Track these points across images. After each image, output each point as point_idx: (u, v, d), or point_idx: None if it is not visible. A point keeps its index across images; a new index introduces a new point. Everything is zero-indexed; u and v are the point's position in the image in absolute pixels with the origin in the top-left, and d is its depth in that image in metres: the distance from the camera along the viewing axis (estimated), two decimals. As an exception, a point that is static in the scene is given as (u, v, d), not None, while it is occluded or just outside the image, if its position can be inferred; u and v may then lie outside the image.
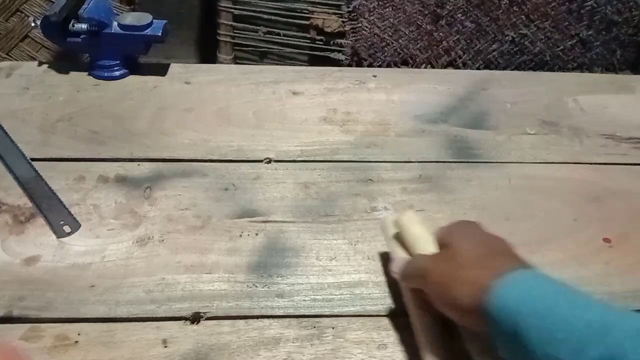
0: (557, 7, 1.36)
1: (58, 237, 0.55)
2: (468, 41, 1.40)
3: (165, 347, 0.47)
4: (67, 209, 0.55)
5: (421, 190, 0.63)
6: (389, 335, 0.49)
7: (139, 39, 0.74)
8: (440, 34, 1.37)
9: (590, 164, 0.68)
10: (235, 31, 1.89)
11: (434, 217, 0.60)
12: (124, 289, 0.51)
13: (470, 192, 0.63)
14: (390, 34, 1.38)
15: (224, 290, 0.52)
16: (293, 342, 0.48)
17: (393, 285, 0.53)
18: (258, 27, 1.87)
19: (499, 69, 1.40)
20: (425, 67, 1.42)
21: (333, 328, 0.49)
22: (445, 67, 1.43)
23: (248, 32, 1.88)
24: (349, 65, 1.41)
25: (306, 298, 0.52)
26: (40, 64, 0.78)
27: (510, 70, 1.40)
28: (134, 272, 0.53)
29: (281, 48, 1.70)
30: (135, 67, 0.77)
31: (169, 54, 1.53)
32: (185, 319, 0.49)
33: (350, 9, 1.35)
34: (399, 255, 0.49)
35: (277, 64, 1.85)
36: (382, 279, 0.53)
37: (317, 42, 1.47)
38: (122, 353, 0.46)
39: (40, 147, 0.64)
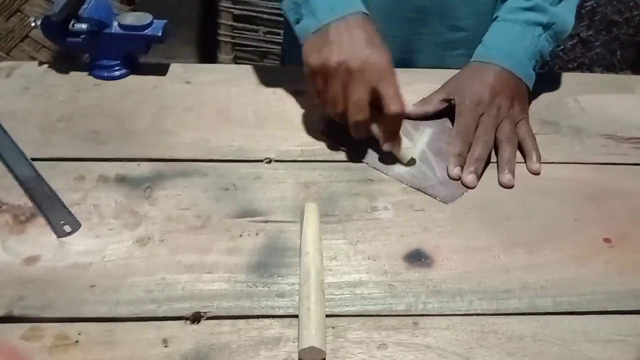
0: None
1: (58, 237, 0.55)
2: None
3: (166, 346, 0.47)
4: (67, 208, 0.55)
5: (421, 190, 0.63)
6: (389, 335, 0.49)
7: (139, 39, 0.74)
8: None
9: (591, 163, 0.68)
10: (235, 31, 1.89)
11: (435, 217, 0.60)
12: (124, 288, 0.51)
13: (471, 191, 0.63)
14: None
15: (224, 290, 0.52)
16: (293, 342, 0.48)
17: (393, 285, 0.53)
18: (258, 27, 1.87)
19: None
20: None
21: (333, 328, 0.49)
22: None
23: (248, 32, 1.88)
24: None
25: (306, 298, 0.51)
26: (41, 63, 0.78)
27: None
28: (134, 271, 0.53)
29: (281, 48, 1.70)
30: (135, 67, 0.77)
31: (169, 54, 1.54)
32: (185, 318, 0.49)
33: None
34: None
35: (277, 64, 1.85)
36: (382, 278, 0.53)
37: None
38: (123, 353, 0.46)
39: (40, 147, 0.64)
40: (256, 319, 0.49)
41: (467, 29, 0.80)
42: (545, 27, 0.71)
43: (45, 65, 0.77)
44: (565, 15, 0.73)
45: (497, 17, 0.75)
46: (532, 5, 0.72)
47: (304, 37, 0.63)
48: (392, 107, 0.60)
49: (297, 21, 0.65)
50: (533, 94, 0.74)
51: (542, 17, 0.71)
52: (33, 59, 1.70)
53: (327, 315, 0.49)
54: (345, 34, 0.61)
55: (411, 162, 0.65)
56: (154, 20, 0.75)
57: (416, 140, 0.69)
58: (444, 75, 0.73)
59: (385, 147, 0.64)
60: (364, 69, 0.60)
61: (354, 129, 0.63)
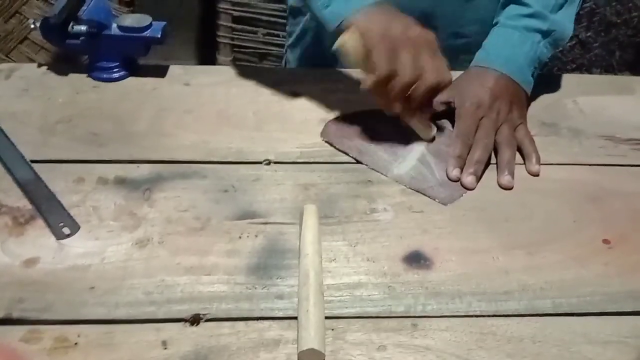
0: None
1: (57, 239, 0.55)
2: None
3: (165, 348, 0.47)
4: (66, 210, 0.55)
5: (421, 191, 0.63)
6: (389, 337, 0.49)
7: (138, 40, 0.75)
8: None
9: (590, 165, 0.68)
10: (234, 33, 1.89)
11: (434, 219, 0.60)
12: (123, 290, 0.51)
13: (470, 193, 0.63)
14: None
15: (223, 291, 0.52)
16: (293, 344, 0.48)
17: (392, 286, 0.53)
18: (257, 29, 1.88)
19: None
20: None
21: (332, 329, 0.49)
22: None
23: (247, 33, 1.88)
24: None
25: (306, 299, 0.51)
26: (40, 65, 0.78)
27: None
28: (133, 273, 0.52)
29: (280, 49, 1.70)
30: (134, 69, 0.77)
31: (168, 55, 1.53)
32: (184, 320, 0.49)
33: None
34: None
35: (276, 66, 1.85)
36: (381, 280, 0.53)
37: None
38: (122, 355, 0.46)
39: (39, 149, 0.64)
40: (255, 321, 0.49)
41: (471, 35, 0.80)
42: (545, 34, 0.72)
43: (45, 67, 0.77)
44: (565, 22, 0.73)
45: (497, 22, 0.75)
46: (532, 12, 0.72)
47: (341, 19, 0.65)
48: (447, 76, 0.64)
49: (326, 6, 0.67)
50: (532, 96, 0.74)
51: (541, 24, 0.72)
52: (32, 60, 1.70)
53: (327, 317, 0.49)
54: (394, 13, 0.64)
55: (433, 139, 0.69)
56: (153, 22, 0.75)
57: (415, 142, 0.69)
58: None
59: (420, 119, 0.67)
60: (426, 39, 0.63)
61: (432, 92, 0.64)
